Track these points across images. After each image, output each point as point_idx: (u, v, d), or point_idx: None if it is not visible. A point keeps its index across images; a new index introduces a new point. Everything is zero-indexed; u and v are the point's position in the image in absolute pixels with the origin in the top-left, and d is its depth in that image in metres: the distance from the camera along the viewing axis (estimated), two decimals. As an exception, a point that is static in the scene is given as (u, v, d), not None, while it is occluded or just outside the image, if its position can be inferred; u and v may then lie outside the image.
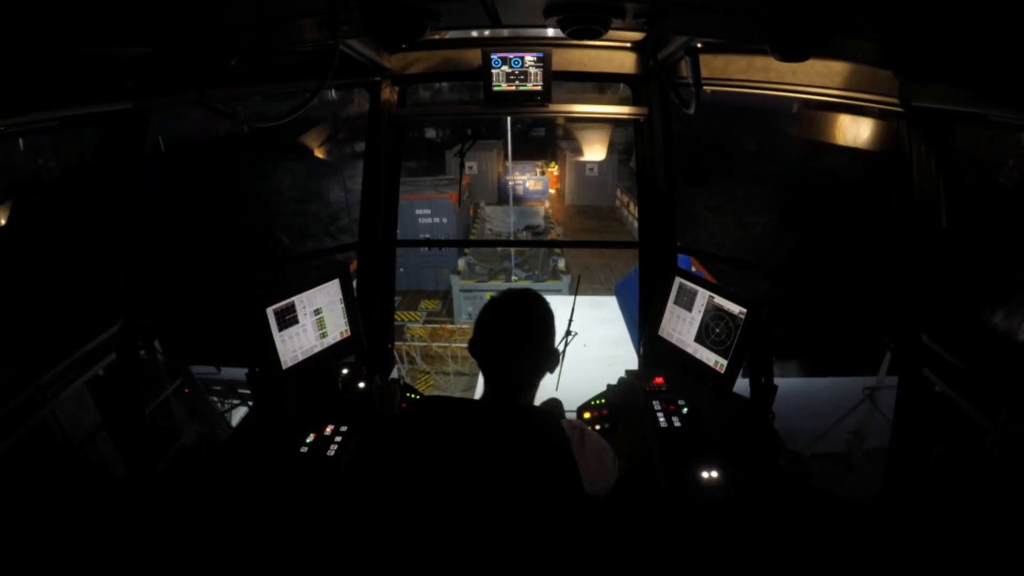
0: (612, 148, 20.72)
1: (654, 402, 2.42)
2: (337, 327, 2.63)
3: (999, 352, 2.23)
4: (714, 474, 2.02)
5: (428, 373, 12.17)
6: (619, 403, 2.52)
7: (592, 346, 6.82)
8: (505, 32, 3.03)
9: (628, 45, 3.04)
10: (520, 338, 1.48)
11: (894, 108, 2.24)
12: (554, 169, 23.03)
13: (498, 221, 17.85)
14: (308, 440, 2.25)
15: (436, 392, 10.78)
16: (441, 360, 12.32)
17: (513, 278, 13.60)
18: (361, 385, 2.55)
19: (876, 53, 1.79)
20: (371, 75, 3.07)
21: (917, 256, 2.42)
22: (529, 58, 2.90)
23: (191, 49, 1.71)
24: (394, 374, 3.28)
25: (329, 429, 2.30)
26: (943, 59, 1.52)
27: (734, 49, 2.66)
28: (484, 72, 2.93)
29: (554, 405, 2.35)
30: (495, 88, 2.94)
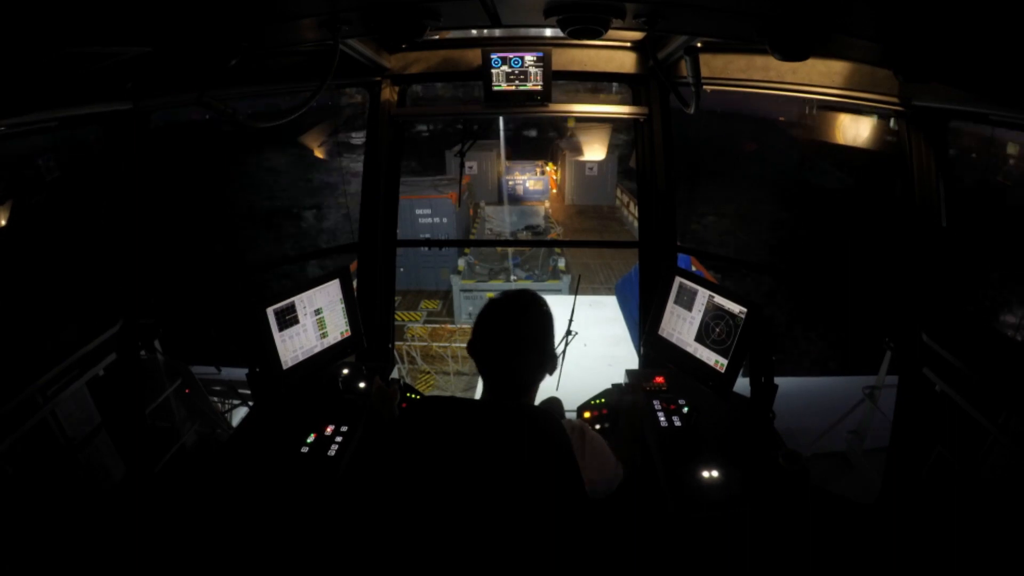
0: (612, 149, 20.73)
1: (654, 402, 2.42)
2: (337, 327, 2.63)
3: (999, 352, 2.24)
4: (714, 474, 2.02)
5: (428, 373, 12.18)
6: (619, 403, 2.52)
7: (592, 346, 6.82)
8: (505, 32, 3.03)
9: (628, 45, 3.04)
10: (519, 339, 1.48)
11: (894, 107, 2.24)
12: (552, 170, 22.99)
13: (498, 221, 17.85)
14: (308, 440, 2.25)
15: (436, 392, 10.78)
16: (441, 360, 12.32)
17: (513, 278, 13.61)
18: (361, 385, 2.55)
19: (876, 53, 1.79)
20: (371, 75, 3.07)
21: (917, 256, 2.42)
22: (529, 58, 2.90)
23: (191, 49, 1.71)
24: (394, 374, 3.28)
25: (329, 429, 2.30)
26: (943, 59, 1.52)
27: (734, 49, 2.66)
28: (484, 72, 2.93)
29: (554, 404, 2.35)
30: (495, 88, 2.94)
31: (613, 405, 2.54)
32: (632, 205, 19.55)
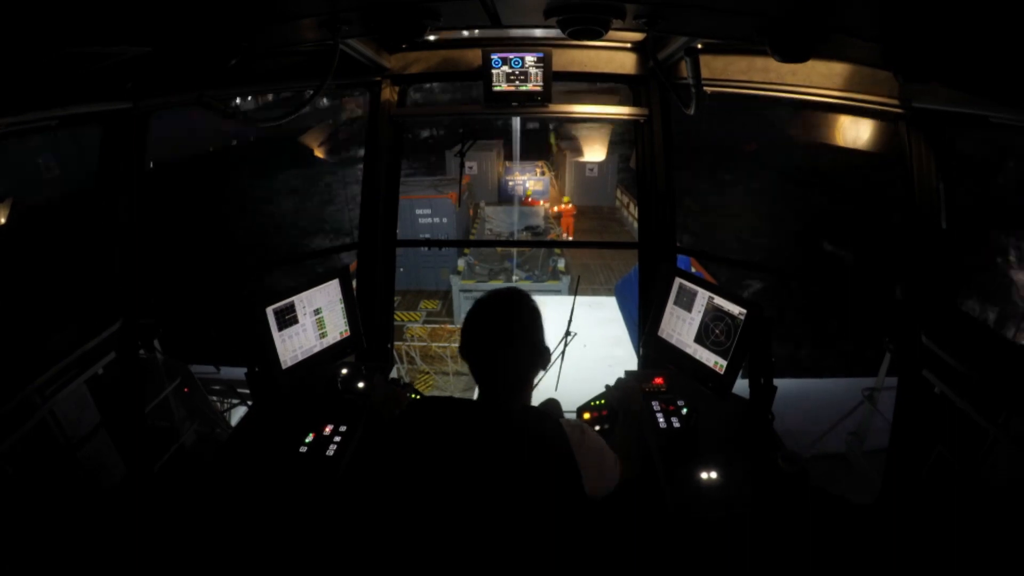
0: (612, 148, 20.67)
1: (653, 402, 2.42)
2: (337, 327, 2.63)
3: (999, 353, 2.24)
4: (714, 475, 2.02)
5: (428, 373, 12.17)
6: (618, 404, 2.52)
7: (592, 346, 6.82)
8: (505, 32, 3.04)
9: (628, 45, 3.04)
10: (506, 332, 1.47)
11: (894, 109, 2.24)
12: (545, 169, 22.84)
13: (498, 221, 17.86)
14: (307, 440, 2.25)
15: (436, 392, 10.78)
16: (441, 360, 12.32)
17: (513, 278, 13.60)
18: (361, 385, 2.55)
19: (876, 54, 1.79)
20: (371, 75, 3.07)
21: (917, 257, 2.42)
22: (529, 58, 2.90)
23: (191, 49, 1.71)
24: (393, 374, 3.28)
25: (328, 429, 2.30)
26: (943, 60, 1.52)
27: (734, 50, 2.66)
28: (484, 72, 2.93)
29: (552, 406, 2.35)
30: (495, 88, 2.94)
31: (613, 406, 2.54)
32: (632, 206, 19.53)
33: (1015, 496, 2.03)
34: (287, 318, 2.41)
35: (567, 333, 3.40)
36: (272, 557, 1.96)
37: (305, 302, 2.49)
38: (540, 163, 22.43)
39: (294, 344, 2.45)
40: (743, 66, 2.66)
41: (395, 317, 4.05)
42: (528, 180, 20.89)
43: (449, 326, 13.43)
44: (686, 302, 2.45)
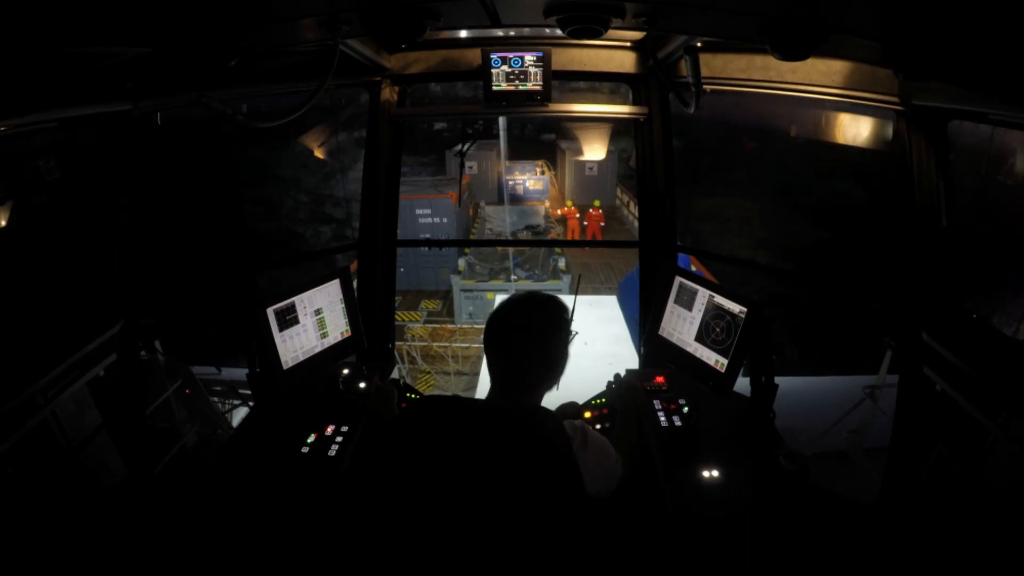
0: (613, 141, 20.47)
1: (654, 401, 2.42)
2: (338, 327, 2.63)
3: (1000, 351, 2.23)
4: (715, 473, 2.02)
5: (428, 373, 12.18)
6: (618, 403, 2.52)
7: (593, 345, 6.83)
8: (505, 32, 3.03)
9: (628, 44, 3.04)
10: (523, 331, 1.50)
11: (894, 107, 2.24)
12: (545, 169, 22.69)
13: (498, 221, 17.84)
14: (309, 440, 2.25)
15: (436, 392, 10.78)
16: (441, 360, 12.32)
17: (513, 278, 13.60)
18: (362, 385, 2.55)
19: (876, 52, 1.79)
20: (371, 75, 3.07)
21: (917, 255, 2.42)
22: (529, 58, 2.90)
23: (191, 49, 1.71)
24: (394, 374, 3.28)
25: (330, 429, 2.30)
26: (943, 57, 1.52)
27: (734, 48, 2.66)
28: (484, 72, 2.93)
29: (568, 408, 2.34)
30: (495, 88, 2.94)
31: (613, 405, 2.54)
32: (632, 205, 19.50)
33: (1015, 496, 2.03)
34: (288, 318, 2.42)
35: (568, 332, 3.39)
36: (274, 558, 1.96)
37: (306, 302, 2.49)
38: (540, 163, 22.39)
39: (295, 344, 2.45)
40: (743, 64, 2.66)
41: (396, 317, 4.04)
42: (528, 180, 20.85)
43: (450, 326, 13.43)
44: (687, 301, 2.45)
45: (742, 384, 2.29)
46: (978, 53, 1.40)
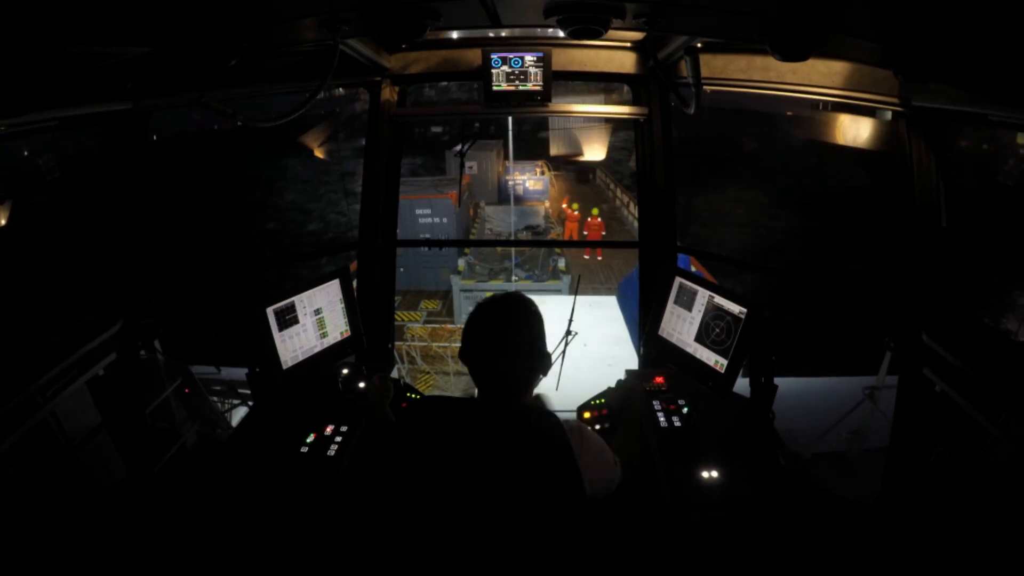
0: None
1: (654, 402, 2.42)
2: (337, 327, 2.63)
3: (999, 352, 2.23)
4: (714, 474, 2.02)
5: (428, 373, 12.17)
6: (619, 404, 2.52)
7: (592, 346, 6.82)
8: (505, 32, 3.03)
9: (628, 45, 3.04)
10: (507, 340, 1.46)
11: (894, 108, 2.24)
12: (545, 169, 22.32)
13: (498, 221, 17.81)
14: (308, 440, 2.25)
15: (436, 392, 10.78)
16: (441, 360, 12.31)
17: (513, 278, 13.59)
18: (361, 385, 2.55)
19: (876, 53, 1.79)
20: (371, 75, 3.07)
21: (917, 255, 2.42)
22: (529, 58, 2.90)
23: (191, 49, 1.71)
24: (394, 374, 3.28)
25: (329, 429, 2.30)
26: (943, 59, 1.52)
27: (734, 49, 2.66)
28: (484, 72, 2.93)
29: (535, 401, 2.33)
30: (495, 88, 2.94)
31: (613, 405, 2.54)
32: (632, 205, 19.43)
33: (1015, 496, 2.03)
34: (287, 318, 2.42)
35: (568, 332, 3.40)
36: (273, 557, 1.96)
37: (305, 302, 2.49)
38: (540, 163, 22.32)
39: (295, 344, 2.45)
40: (743, 65, 2.66)
41: (395, 317, 4.04)
42: (528, 180, 20.78)
43: (449, 326, 13.40)
44: (686, 301, 2.45)
45: (742, 384, 2.29)
46: (978, 54, 1.40)
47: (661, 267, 2.66)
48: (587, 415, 2.52)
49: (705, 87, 2.57)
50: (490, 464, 1.35)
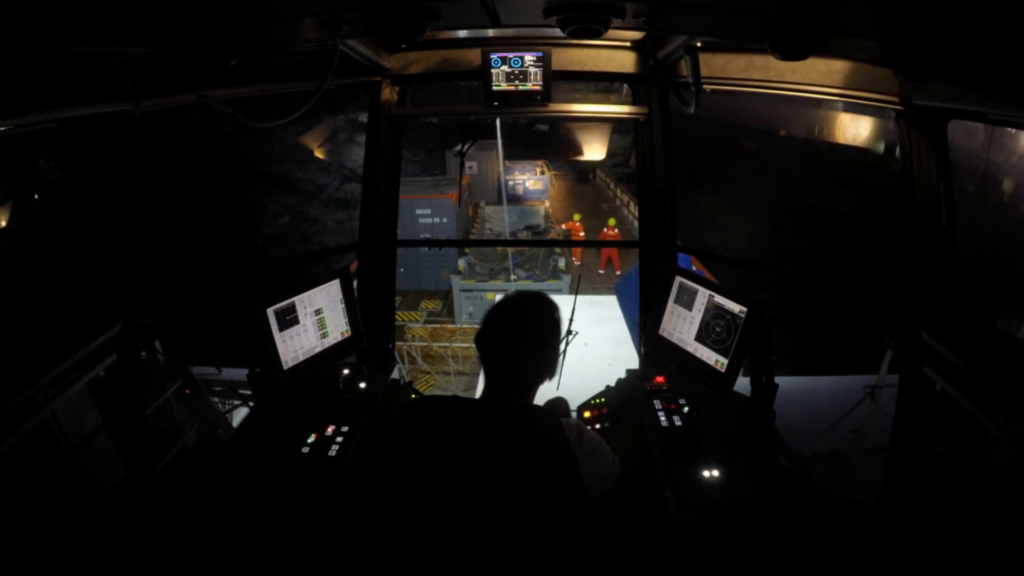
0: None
1: (654, 401, 2.42)
2: (338, 327, 2.63)
3: (1000, 351, 2.23)
4: (715, 473, 2.02)
5: (429, 373, 12.17)
6: (619, 403, 2.52)
7: (592, 346, 6.82)
8: (505, 32, 3.03)
9: (628, 44, 3.04)
10: (515, 332, 1.51)
11: (894, 106, 2.24)
12: (545, 169, 22.26)
13: (498, 221, 17.81)
14: (309, 440, 2.25)
15: (436, 392, 10.78)
16: (441, 360, 12.31)
17: (513, 278, 13.58)
18: (362, 385, 2.55)
19: (876, 52, 1.79)
20: (371, 75, 3.07)
21: (917, 254, 2.42)
22: (529, 58, 2.90)
23: (191, 49, 1.71)
24: (395, 374, 3.28)
25: (330, 429, 2.30)
26: (943, 57, 1.52)
27: (734, 48, 2.66)
28: (484, 72, 2.93)
29: (557, 404, 2.35)
30: (495, 88, 2.94)
31: (613, 404, 2.54)
32: (632, 205, 19.43)
33: (1015, 496, 2.03)
34: (288, 319, 2.42)
35: (568, 332, 3.40)
36: (274, 558, 1.96)
37: (306, 302, 2.49)
38: (540, 163, 22.32)
39: (295, 344, 2.45)
40: (742, 64, 2.66)
41: (396, 317, 4.04)
42: (528, 179, 20.79)
43: (450, 326, 13.40)
44: (687, 300, 2.45)
45: (742, 384, 2.29)
46: (978, 53, 1.40)
47: (661, 266, 2.66)
48: (587, 414, 2.52)
49: (705, 86, 2.57)
50: (490, 463, 1.35)
